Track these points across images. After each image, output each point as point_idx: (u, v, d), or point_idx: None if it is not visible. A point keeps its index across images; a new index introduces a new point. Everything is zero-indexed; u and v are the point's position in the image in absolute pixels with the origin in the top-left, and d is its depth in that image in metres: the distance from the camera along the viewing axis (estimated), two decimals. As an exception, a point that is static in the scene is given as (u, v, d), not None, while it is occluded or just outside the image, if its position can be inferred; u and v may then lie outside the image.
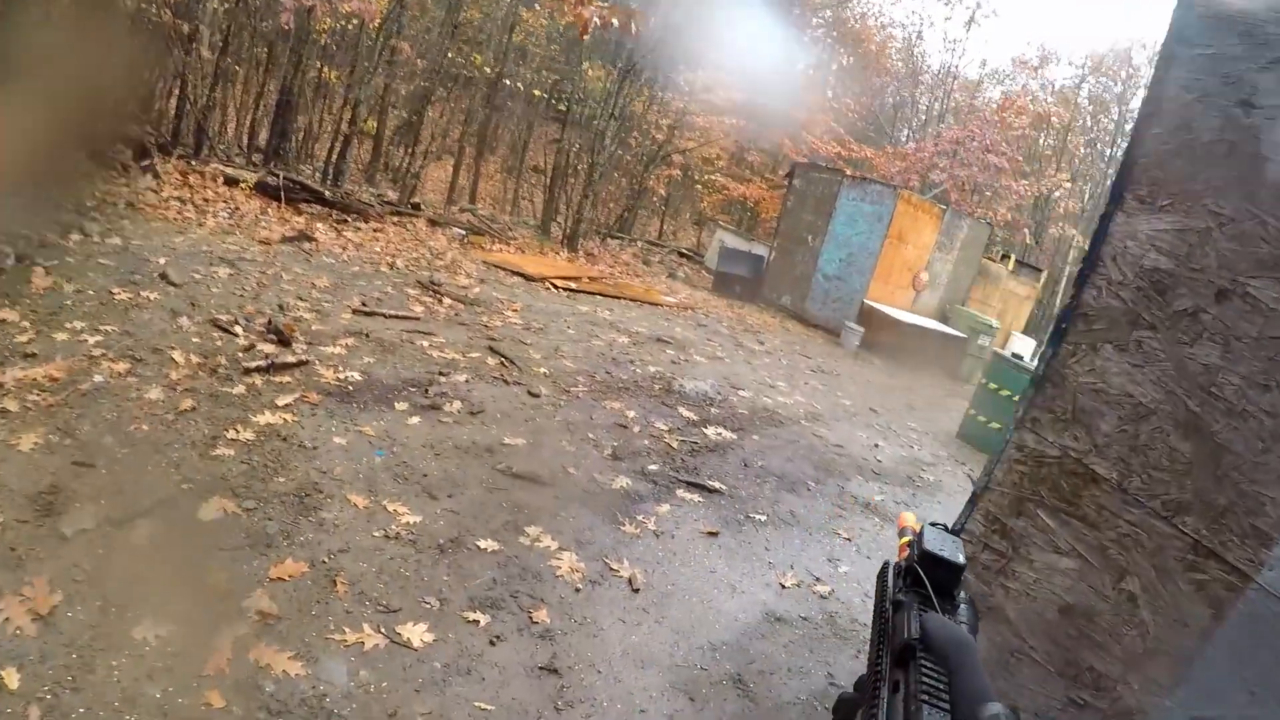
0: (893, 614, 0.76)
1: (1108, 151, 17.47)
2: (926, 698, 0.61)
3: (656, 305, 8.84)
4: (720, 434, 4.73)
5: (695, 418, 4.90)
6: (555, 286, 8.01)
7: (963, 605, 0.82)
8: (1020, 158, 15.06)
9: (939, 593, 0.79)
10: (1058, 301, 17.11)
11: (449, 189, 12.98)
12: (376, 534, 2.68)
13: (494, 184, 13.97)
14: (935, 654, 0.67)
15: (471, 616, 2.39)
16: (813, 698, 2.58)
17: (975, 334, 11.52)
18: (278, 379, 3.68)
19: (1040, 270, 14.69)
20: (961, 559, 0.81)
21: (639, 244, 14.06)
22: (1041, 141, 17.84)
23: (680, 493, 3.77)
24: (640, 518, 3.37)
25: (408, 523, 2.80)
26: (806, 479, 4.50)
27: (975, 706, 0.57)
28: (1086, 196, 16.20)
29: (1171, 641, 1.28)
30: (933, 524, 0.86)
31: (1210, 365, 1.23)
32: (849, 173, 11.45)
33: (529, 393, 4.48)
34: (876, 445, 5.74)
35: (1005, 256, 13.89)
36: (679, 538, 3.33)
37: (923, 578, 0.80)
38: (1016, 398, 6.80)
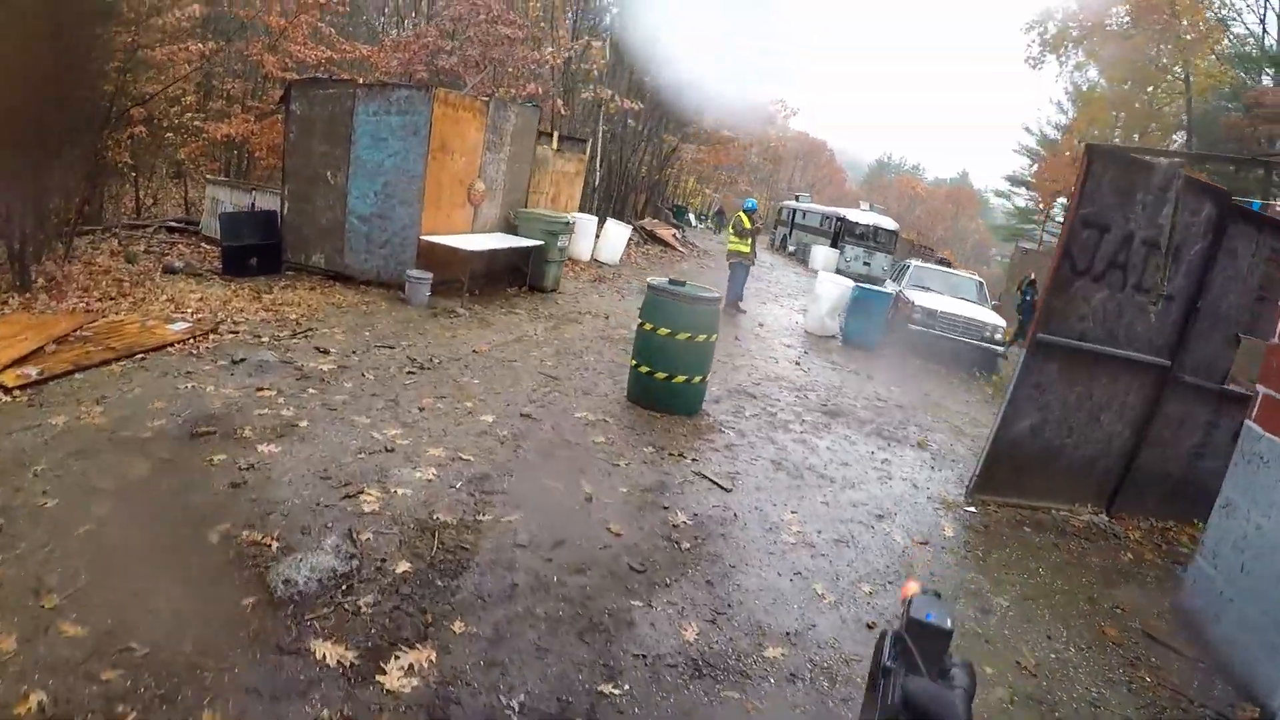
0: (882, 681, 0.92)
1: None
2: None
3: (165, 348, 5.85)
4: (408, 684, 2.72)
5: (361, 664, 2.77)
6: (5, 389, 4.57)
7: (956, 670, 0.97)
8: (528, 24, 14.23)
9: (927, 659, 0.93)
10: (596, 174, 17.44)
11: None
12: None
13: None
14: (918, 717, 0.81)
15: None
16: None
17: (552, 237, 10.77)
18: None
19: (583, 141, 14.54)
20: (948, 625, 0.99)
21: (117, 233, 9.78)
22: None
23: None
24: None
25: None
26: (585, 686, 2.78)
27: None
28: (607, 52, 16.34)
29: None
30: (923, 592, 1.04)
31: None
32: (361, 81, 9.05)
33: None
34: (588, 499, 4.35)
35: (546, 134, 13.24)
36: None
37: (909, 646, 0.95)
38: (680, 335, 6.16)
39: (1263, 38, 15.63)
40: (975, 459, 6.95)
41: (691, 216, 33.01)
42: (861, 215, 26.93)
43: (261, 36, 12.31)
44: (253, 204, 9.98)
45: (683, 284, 6.40)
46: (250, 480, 3.89)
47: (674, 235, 22.09)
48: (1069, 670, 3.72)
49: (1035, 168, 26.75)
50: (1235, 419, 5.97)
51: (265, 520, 3.45)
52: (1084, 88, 21.68)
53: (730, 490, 4.94)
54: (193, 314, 6.87)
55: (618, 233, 15.80)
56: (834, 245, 26.84)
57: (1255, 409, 4.56)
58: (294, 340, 6.58)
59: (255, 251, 8.90)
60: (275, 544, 3.25)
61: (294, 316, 7.31)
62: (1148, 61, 15.77)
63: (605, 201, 19.43)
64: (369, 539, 3.43)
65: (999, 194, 32.81)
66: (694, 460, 5.34)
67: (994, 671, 3.55)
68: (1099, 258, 5.14)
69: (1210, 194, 5.25)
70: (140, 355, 5.58)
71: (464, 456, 4.64)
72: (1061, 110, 26.85)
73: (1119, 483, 5.98)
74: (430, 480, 4.22)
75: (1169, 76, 16.10)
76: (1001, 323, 11.65)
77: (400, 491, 4.00)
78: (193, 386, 5.11)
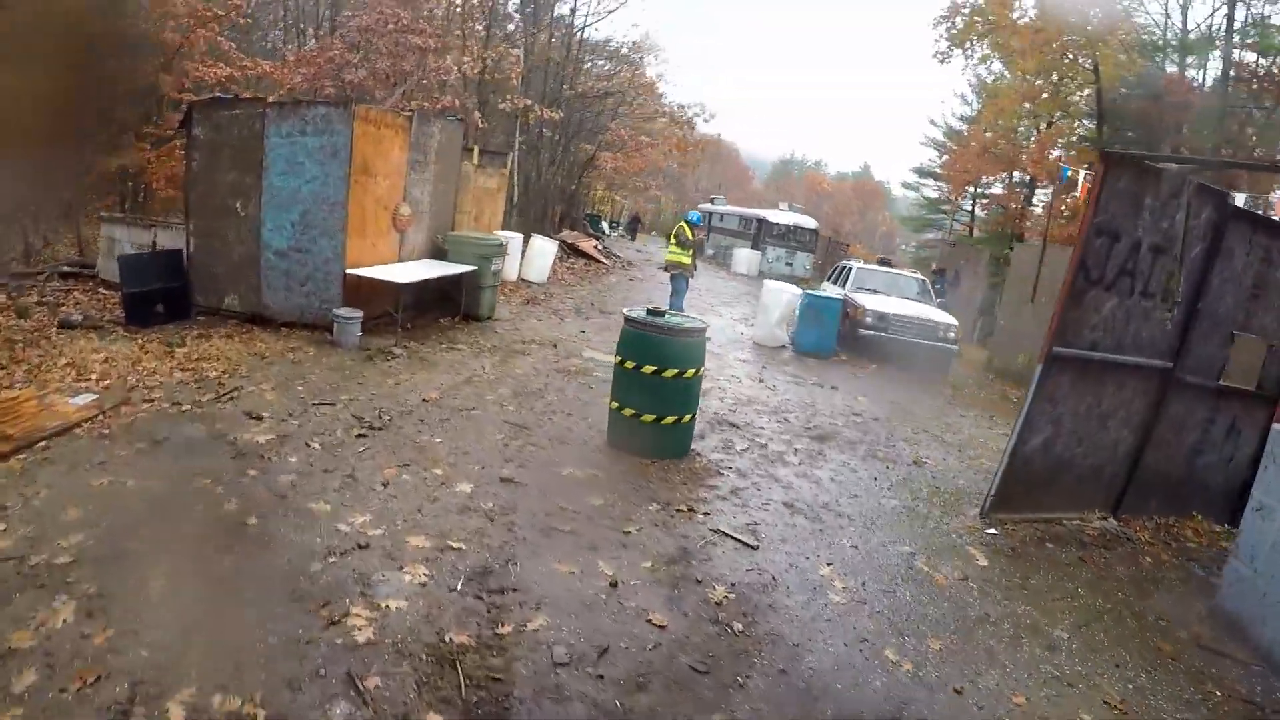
0: None
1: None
2: None
3: (71, 429, 4.93)
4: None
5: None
6: None
7: None
8: (439, 33, 13.44)
9: None
10: (515, 188, 16.77)
11: None
12: None
13: None
14: None
15: None
16: None
17: (485, 261, 10.11)
18: None
19: (504, 155, 13.88)
20: None
21: (4, 284, 8.62)
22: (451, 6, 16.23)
23: None
24: None
25: None
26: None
27: None
28: (522, 60, 15.69)
29: None
30: None
31: None
32: (272, 99, 8.15)
33: None
34: (612, 584, 3.72)
35: (467, 149, 12.54)
36: None
37: None
38: (667, 372, 5.54)
39: (1166, 26, 16.70)
40: (973, 472, 6.84)
41: (605, 225, 32.66)
42: (781, 215, 27.26)
43: (155, 54, 11.11)
44: (154, 242, 8.95)
45: (662, 313, 5.94)
46: (204, 614, 3.16)
47: (595, 247, 21.64)
48: (1149, 699, 3.62)
49: (944, 159, 27.82)
50: (1230, 414, 6.04)
51: (239, 675, 2.75)
52: (989, 80, 22.68)
53: (757, 547, 4.50)
54: (98, 380, 5.91)
55: (544, 249, 15.19)
56: (755, 247, 27.04)
57: (1288, 411, 4.55)
58: (219, 405, 5.72)
59: (161, 296, 7.93)
60: (261, 714, 2.57)
61: (214, 374, 6.41)
62: (1055, 53, 16.53)
63: (523, 216, 18.77)
64: (378, 686, 2.78)
65: (907, 186, 34.00)
66: (706, 514, 4.88)
67: (1091, 718, 3.36)
68: (1110, 266, 5.03)
69: (1210, 196, 5.24)
70: (43, 443, 4.66)
71: (453, 545, 4.01)
72: (966, 102, 28.09)
73: (1124, 486, 5.94)
74: (424, 584, 3.58)
75: (1079, 64, 16.93)
76: (953, 321, 11.76)
77: (393, 606, 3.35)
78: (110, 482, 4.26)
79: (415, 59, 12.50)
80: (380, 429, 5.69)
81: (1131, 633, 4.26)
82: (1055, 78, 17.78)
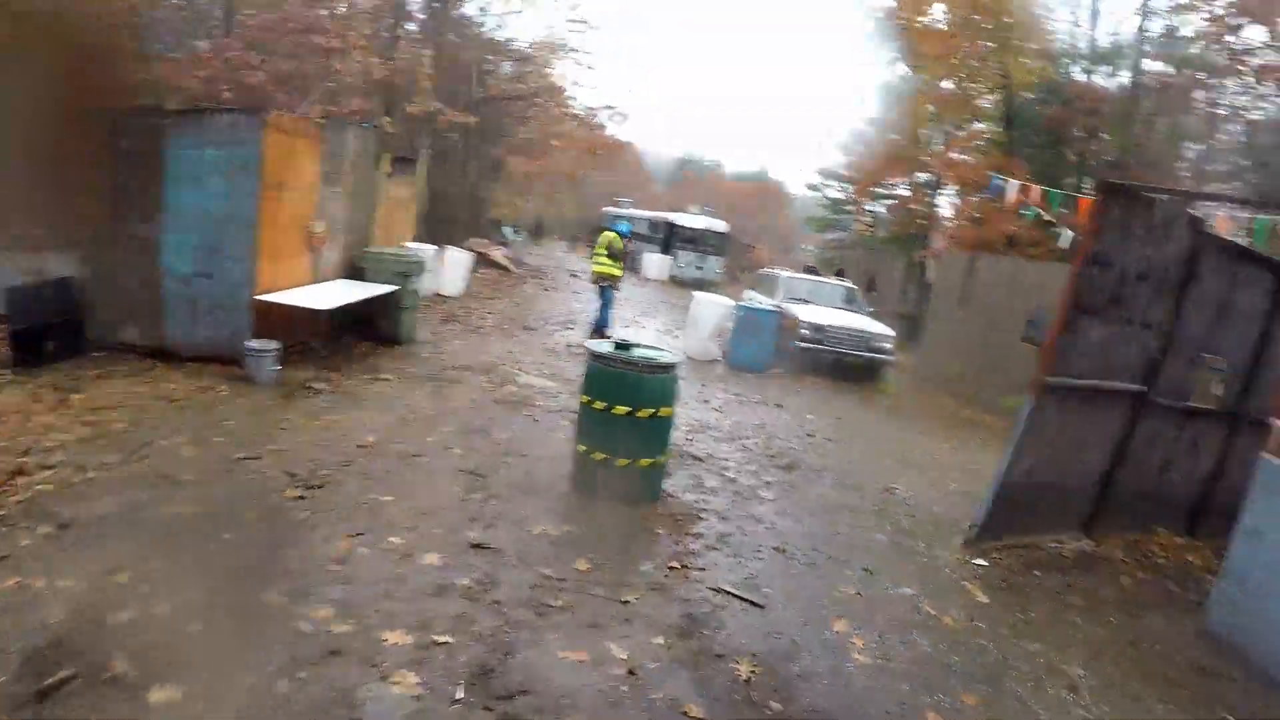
0: None
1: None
2: None
3: None
4: None
5: None
6: None
7: None
8: (350, 32, 12.50)
9: None
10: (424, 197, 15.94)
11: None
12: None
13: None
14: None
15: None
16: None
17: (405, 279, 9.47)
18: None
19: (413, 162, 13.14)
20: None
21: None
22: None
23: None
24: None
25: None
26: None
27: None
28: (428, 67, 14.83)
29: None
30: None
31: None
32: (171, 107, 7.27)
33: None
34: (630, 672, 3.33)
35: (378, 157, 11.78)
36: None
37: None
38: (641, 412, 5.18)
39: (1074, 34, 17.68)
40: (942, 495, 6.87)
41: (509, 230, 31.90)
42: (692, 219, 27.35)
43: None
44: (44, 269, 7.96)
45: (629, 347, 5.61)
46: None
47: (505, 255, 21.02)
48: (1171, 731, 3.66)
49: (850, 161, 28.70)
50: (1193, 432, 6.27)
51: None
52: (896, 83, 23.50)
53: (765, 606, 4.25)
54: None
55: (459, 261, 14.54)
56: (665, 251, 27.02)
57: (1274, 441, 4.73)
58: (130, 467, 4.95)
59: (51, 333, 7.01)
60: None
61: (120, 427, 5.59)
62: (968, 58, 17.23)
63: (430, 225, 17.94)
64: None
65: (812, 188, 34.90)
66: (702, 570, 4.57)
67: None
68: (1101, 295, 5.11)
69: (1189, 224, 5.40)
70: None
71: (438, 639, 3.52)
72: (872, 105, 29.07)
73: (1096, 505, 6.07)
74: (418, 697, 3.09)
75: (989, 69, 17.69)
76: (889, 332, 11.96)
77: (390, 731, 2.87)
78: (18, 585, 3.50)
79: (319, 61, 11.61)
80: (319, 487, 5.08)
81: (1135, 662, 4.34)
82: (965, 81, 18.55)
